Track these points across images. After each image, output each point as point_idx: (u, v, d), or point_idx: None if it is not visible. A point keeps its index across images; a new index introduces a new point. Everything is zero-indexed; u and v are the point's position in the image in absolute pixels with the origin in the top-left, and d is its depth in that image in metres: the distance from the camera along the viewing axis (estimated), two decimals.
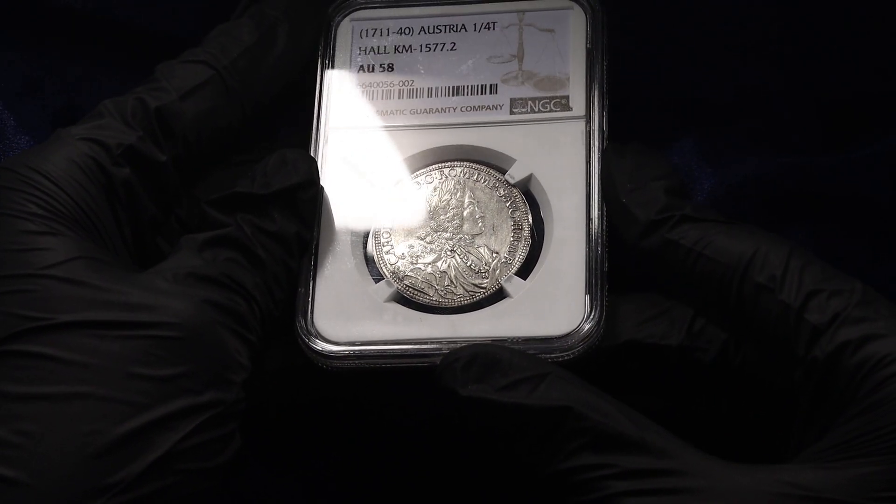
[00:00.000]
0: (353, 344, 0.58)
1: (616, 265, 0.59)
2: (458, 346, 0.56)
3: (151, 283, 0.54)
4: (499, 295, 0.59)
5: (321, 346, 0.58)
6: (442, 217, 0.60)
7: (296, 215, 0.58)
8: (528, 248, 0.60)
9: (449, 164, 0.62)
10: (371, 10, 0.65)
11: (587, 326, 0.57)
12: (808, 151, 0.67)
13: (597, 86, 0.61)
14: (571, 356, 0.57)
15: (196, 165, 0.61)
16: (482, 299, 0.59)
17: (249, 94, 0.61)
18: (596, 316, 0.57)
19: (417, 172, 0.62)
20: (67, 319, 0.53)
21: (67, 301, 0.53)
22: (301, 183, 0.58)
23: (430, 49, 0.64)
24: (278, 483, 0.63)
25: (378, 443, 0.63)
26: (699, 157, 0.67)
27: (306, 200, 0.58)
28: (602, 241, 0.59)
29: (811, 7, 0.66)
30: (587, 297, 0.58)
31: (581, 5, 0.63)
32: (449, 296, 0.59)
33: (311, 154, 0.61)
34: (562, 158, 0.61)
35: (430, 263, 0.60)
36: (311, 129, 0.62)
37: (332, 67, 0.63)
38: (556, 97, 0.62)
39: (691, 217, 0.57)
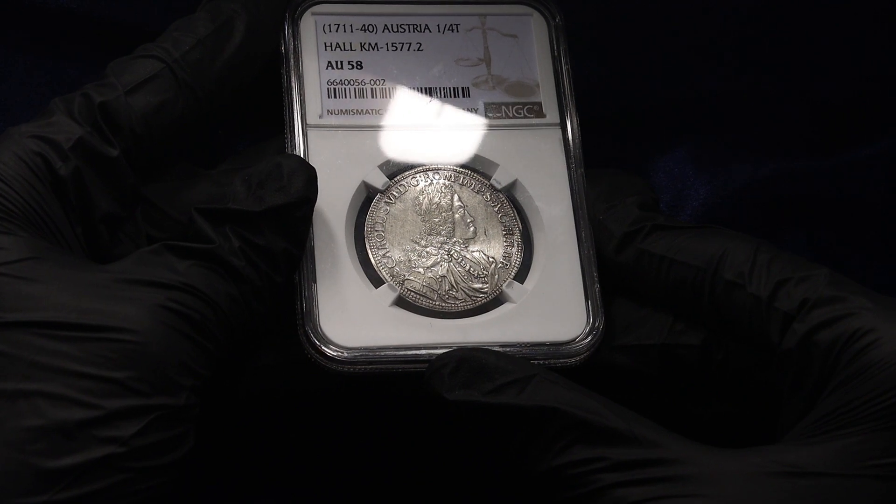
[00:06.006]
0: (365, 349, 0.57)
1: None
2: None
3: (106, 285, 0.54)
4: (499, 300, 0.60)
5: (332, 351, 0.57)
6: (435, 220, 0.61)
7: (287, 232, 0.57)
8: (521, 253, 0.61)
9: (432, 167, 0.62)
10: (332, 6, 0.63)
11: (591, 332, 0.59)
12: (802, 156, 0.69)
13: (568, 94, 0.63)
14: (577, 362, 0.59)
15: (150, 160, 0.59)
16: (484, 304, 0.59)
17: (203, 86, 0.60)
18: (598, 321, 0.59)
19: (402, 174, 0.61)
20: (17, 318, 0.52)
21: (18, 300, 0.53)
22: (295, 202, 0.57)
23: (396, 48, 0.63)
24: (274, 481, 0.63)
25: (373, 441, 0.63)
26: (693, 163, 0.69)
27: (299, 218, 0.57)
28: (592, 246, 0.60)
29: (803, 11, 0.68)
30: (588, 303, 0.60)
31: (541, 13, 0.64)
32: (451, 300, 0.59)
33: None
34: (544, 165, 0.62)
35: (428, 268, 0.60)
36: (285, 127, 0.61)
37: (299, 62, 0.62)
38: (529, 103, 0.63)
39: (662, 226, 0.60)
